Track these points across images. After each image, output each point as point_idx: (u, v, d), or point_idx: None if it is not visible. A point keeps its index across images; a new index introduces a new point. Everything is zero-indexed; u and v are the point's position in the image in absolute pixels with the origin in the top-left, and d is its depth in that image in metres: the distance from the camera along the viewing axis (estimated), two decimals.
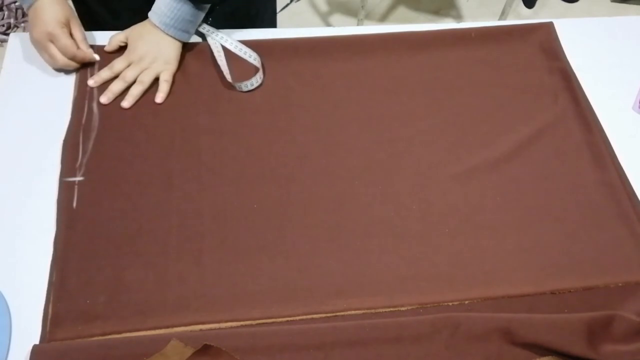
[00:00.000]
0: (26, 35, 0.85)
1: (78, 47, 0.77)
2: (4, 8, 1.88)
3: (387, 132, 0.78)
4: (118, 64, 0.78)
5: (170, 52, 0.79)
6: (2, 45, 1.83)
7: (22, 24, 1.88)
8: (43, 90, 0.78)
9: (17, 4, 1.88)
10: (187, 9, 0.77)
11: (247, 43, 0.84)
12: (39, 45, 0.77)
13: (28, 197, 0.69)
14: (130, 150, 0.73)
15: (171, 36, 0.78)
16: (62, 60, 0.76)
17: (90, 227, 0.66)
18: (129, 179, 0.71)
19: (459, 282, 0.66)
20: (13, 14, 1.87)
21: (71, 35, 0.77)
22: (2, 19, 1.86)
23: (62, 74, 0.80)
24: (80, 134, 0.74)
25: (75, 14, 0.79)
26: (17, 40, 0.83)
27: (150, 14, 0.78)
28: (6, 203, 0.68)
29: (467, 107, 0.80)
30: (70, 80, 0.79)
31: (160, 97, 0.77)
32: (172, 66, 0.79)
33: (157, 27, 0.77)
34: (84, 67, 0.80)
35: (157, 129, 0.75)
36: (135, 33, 0.79)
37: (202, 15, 0.80)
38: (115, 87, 0.77)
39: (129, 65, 0.78)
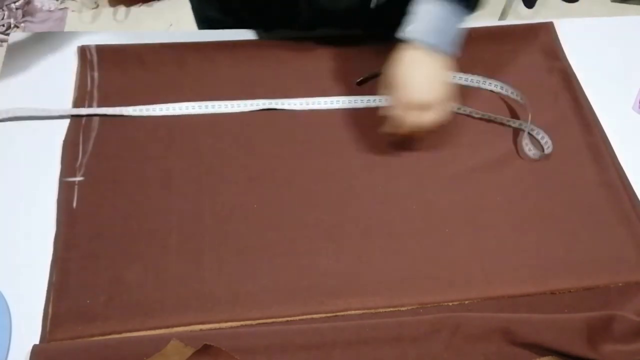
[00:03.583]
0: (26, 35, 0.85)
1: None
2: (4, 8, 1.88)
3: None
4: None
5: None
6: (2, 45, 1.83)
7: (22, 24, 1.88)
8: (43, 90, 0.78)
9: (17, 3, 1.88)
10: (460, 21, 0.67)
11: (246, 42, 0.84)
12: None
13: (28, 197, 0.69)
14: (130, 150, 0.73)
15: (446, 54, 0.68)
16: None
17: (90, 227, 0.66)
18: (129, 179, 0.71)
19: (459, 282, 0.66)
20: (13, 14, 1.87)
21: None
22: (2, 19, 1.86)
23: (62, 74, 0.80)
24: (80, 134, 0.74)
25: None
26: (17, 40, 0.83)
27: (414, 35, 0.66)
28: (6, 203, 0.68)
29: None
30: (71, 80, 0.79)
31: None
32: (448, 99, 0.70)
33: (434, 48, 0.67)
34: (84, 68, 0.80)
35: (157, 129, 0.75)
36: (407, 71, 0.68)
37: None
38: None
39: None
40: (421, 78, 0.66)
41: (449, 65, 0.68)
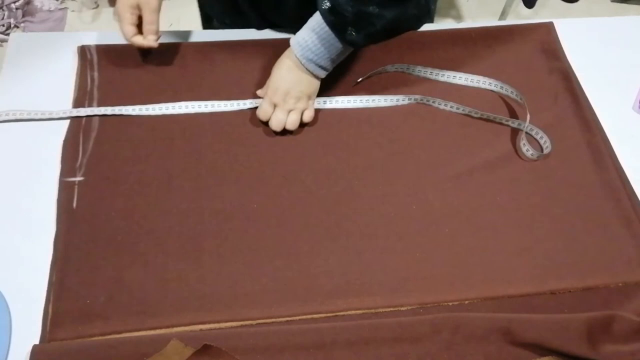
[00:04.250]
0: (26, 35, 0.85)
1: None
2: (4, 8, 1.88)
3: (387, 131, 0.78)
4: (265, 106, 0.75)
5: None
6: (2, 45, 1.83)
7: (22, 24, 1.88)
8: (43, 90, 0.78)
9: (17, 3, 1.88)
10: (335, 48, 0.71)
11: (246, 42, 0.84)
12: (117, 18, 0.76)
13: (28, 197, 0.69)
14: (130, 150, 0.73)
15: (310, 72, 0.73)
16: (127, 39, 0.76)
17: (90, 227, 0.66)
18: (129, 179, 0.71)
19: (459, 282, 0.66)
20: (13, 14, 1.87)
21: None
22: (2, 19, 1.86)
23: (62, 74, 0.80)
24: (80, 134, 0.74)
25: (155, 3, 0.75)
26: (17, 40, 0.83)
27: (293, 41, 0.72)
28: (6, 203, 0.68)
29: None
30: (71, 80, 0.79)
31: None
32: (313, 101, 0.77)
33: (298, 58, 0.72)
34: (84, 68, 0.80)
35: (157, 129, 0.75)
36: (275, 68, 0.75)
37: (344, 55, 0.74)
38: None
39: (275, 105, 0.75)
40: (284, 80, 0.73)
41: (314, 78, 0.74)
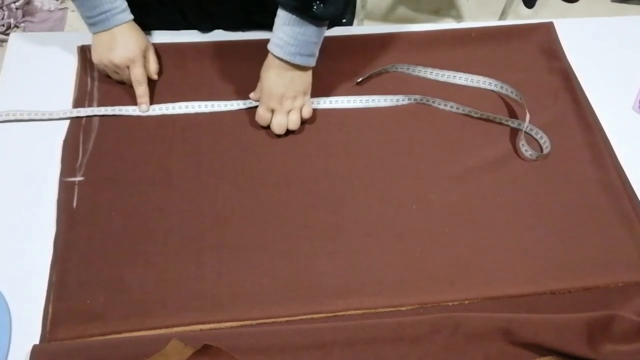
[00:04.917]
0: (26, 35, 0.85)
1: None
2: (4, 8, 1.88)
3: (387, 131, 0.78)
4: (263, 114, 0.75)
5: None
6: (2, 45, 1.83)
7: (22, 24, 1.88)
8: (43, 90, 0.78)
9: (17, 3, 1.88)
10: (311, 30, 0.70)
11: (246, 42, 0.84)
12: (113, 68, 0.76)
13: (28, 197, 0.69)
14: (130, 150, 0.73)
15: (299, 64, 0.72)
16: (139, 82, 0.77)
17: (90, 227, 0.66)
18: (129, 179, 0.71)
19: (459, 282, 0.66)
20: (13, 14, 1.87)
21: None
22: (2, 19, 1.86)
23: (62, 74, 0.80)
24: (80, 134, 0.74)
25: (151, 44, 0.80)
26: (17, 40, 0.83)
27: (270, 46, 0.71)
28: (6, 203, 0.68)
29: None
30: (71, 80, 0.79)
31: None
32: (309, 96, 0.77)
33: (283, 59, 0.71)
34: (84, 68, 0.80)
35: (157, 129, 0.75)
36: (263, 75, 0.74)
37: (324, 33, 0.72)
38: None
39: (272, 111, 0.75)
40: (276, 85, 0.73)
41: (305, 72, 0.73)
